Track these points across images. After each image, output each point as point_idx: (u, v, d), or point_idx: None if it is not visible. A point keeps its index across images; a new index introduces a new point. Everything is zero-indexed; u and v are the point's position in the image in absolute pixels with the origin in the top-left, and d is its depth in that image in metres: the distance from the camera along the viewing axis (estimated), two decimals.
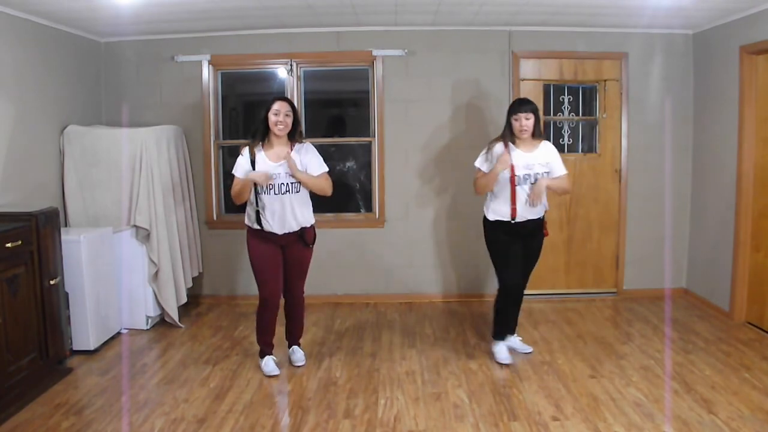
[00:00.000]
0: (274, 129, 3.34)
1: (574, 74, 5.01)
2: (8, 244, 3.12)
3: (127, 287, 4.34)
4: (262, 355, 3.66)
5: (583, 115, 5.15)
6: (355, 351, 3.98)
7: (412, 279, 5.18)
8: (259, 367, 3.66)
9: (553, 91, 5.09)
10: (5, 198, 3.74)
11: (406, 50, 4.93)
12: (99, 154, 4.33)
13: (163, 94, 5.03)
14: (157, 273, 4.38)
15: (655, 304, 4.88)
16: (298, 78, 5.07)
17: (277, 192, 3.35)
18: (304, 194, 3.47)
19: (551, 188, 3.60)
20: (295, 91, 5.06)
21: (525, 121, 3.49)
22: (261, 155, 3.38)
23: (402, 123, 5.03)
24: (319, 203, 5.40)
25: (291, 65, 5.03)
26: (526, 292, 3.69)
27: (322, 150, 5.41)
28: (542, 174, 3.53)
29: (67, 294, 3.76)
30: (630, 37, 4.92)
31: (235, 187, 3.39)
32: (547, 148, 3.61)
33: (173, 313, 4.47)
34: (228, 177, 5.32)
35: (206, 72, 5.02)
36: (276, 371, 3.58)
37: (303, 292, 3.70)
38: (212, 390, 3.38)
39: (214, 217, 5.17)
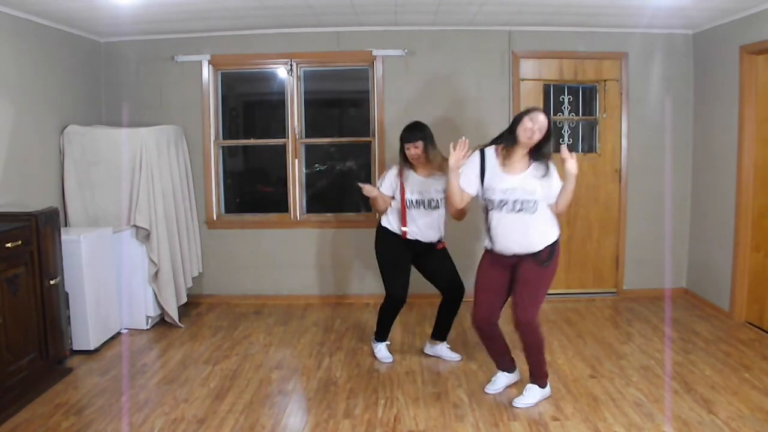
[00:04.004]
0: (525, 140, 2.96)
1: (574, 74, 5.01)
2: (8, 244, 3.12)
3: (127, 287, 4.34)
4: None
5: (583, 115, 5.15)
6: (355, 351, 3.98)
7: (412, 279, 5.13)
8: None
9: (553, 91, 5.09)
10: (5, 198, 3.73)
11: (406, 50, 4.92)
12: (99, 154, 4.32)
13: (163, 94, 5.02)
14: (157, 273, 4.38)
15: (655, 304, 4.88)
16: (298, 78, 5.07)
17: (511, 209, 3.00)
18: (543, 212, 3.04)
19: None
20: (295, 91, 5.05)
21: (414, 150, 3.53)
22: (497, 167, 3.03)
23: (402, 123, 4.97)
24: (319, 203, 5.46)
25: (291, 65, 5.03)
26: None
27: (322, 150, 5.50)
28: (438, 200, 3.56)
29: (67, 294, 3.76)
30: (630, 37, 4.91)
31: (456, 197, 3.09)
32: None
33: (173, 313, 4.47)
34: (227, 177, 5.33)
35: (206, 72, 5.02)
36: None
37: (530, 318, 3.07)
38: (212, 390, 3.38)
39: (214, 217, 5.17)
